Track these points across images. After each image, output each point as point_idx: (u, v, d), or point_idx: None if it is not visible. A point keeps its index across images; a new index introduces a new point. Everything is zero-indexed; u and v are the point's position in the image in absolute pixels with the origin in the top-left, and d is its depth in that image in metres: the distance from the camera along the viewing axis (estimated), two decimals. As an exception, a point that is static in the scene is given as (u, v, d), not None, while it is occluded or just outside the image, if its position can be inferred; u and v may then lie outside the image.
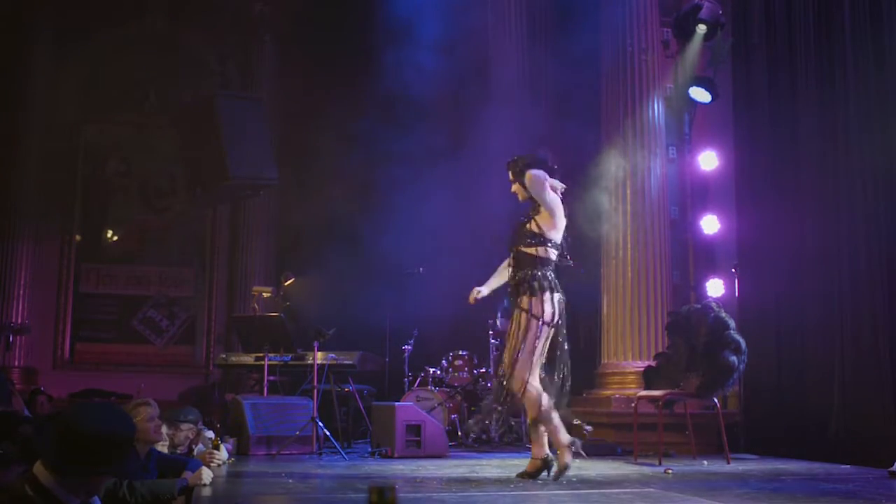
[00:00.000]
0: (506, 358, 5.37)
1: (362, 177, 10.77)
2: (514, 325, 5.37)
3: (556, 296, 5.36)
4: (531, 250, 5.41)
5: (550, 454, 5.34)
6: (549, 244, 5.42)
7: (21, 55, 12.22)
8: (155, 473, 4.50)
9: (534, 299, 5.30)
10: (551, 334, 5.33)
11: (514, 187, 5.64)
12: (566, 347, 5.39)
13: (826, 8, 7.29)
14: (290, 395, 8.50)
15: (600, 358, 8.53)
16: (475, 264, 9.22)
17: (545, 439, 5.35)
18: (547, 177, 5.45)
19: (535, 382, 5.27)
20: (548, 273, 5.39)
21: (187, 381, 12.28)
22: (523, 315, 5.30)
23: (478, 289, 5.72)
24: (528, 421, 5.46)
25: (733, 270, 8.17)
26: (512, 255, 5.52)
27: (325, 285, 10.42)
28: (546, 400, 5.26)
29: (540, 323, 5.27)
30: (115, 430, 2.55)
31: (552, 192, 5.44)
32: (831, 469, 6.15)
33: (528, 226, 5.46)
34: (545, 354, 5.34)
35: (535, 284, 5.31)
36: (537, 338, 5.26)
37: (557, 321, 5.34)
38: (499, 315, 9.31)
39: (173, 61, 12.38)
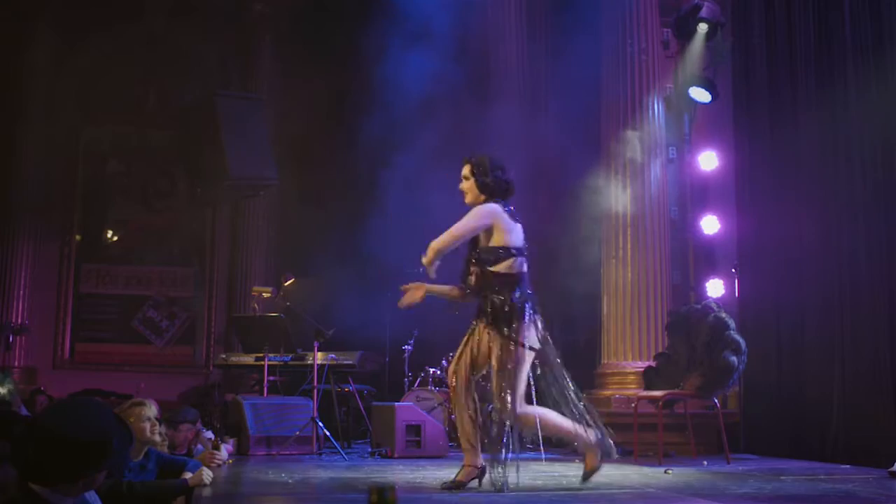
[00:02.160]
0: (495, 390, 4.76)
1: (362, 177, 10.77)
2: (500, 354, 4.77)
3: (538, 318, 4.87)
4: (499, 268, 4.85)
5: (485, 463, 4.84)
6: (515, 252, 4.87)
7: (21, 55, 12.22)
8: (154, 474, 4.50)
9: (520, 326, 4.78)
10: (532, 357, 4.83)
11: (466, 185, 5.04)
12: (560, 368, 4.89)
13: (826, 8, 7.29)
14: (290, 395, 8.50)
15: (600, 358, 8.53)
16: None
17: (479, 447, 4.86)
18: (495, 212, 4.91)
19: (525, 407, 4.78)
20: (526, 292, 4.86)
21: (187, 381, 12.28)
22: (510, 344, 4.75)
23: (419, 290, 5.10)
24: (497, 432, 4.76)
25: (733, 270, 8.17)
26: (473, 272, 4.96)
27: (325, 285, 10.42)
28: (543, 413, 4.84)
29: (527, 350, 4.78)
30: (87, 433, 2.44)
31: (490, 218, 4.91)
32: (831, 469, 6.15)
33: (484, 241, 4.92)
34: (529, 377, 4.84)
35: (519, 312, 4.77)
36: (524, 364, 4.76)
37: (542, 347, 4.85)
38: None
39: (173, 61, 12.37)
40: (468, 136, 9.58)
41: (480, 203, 5.00)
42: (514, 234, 4.91)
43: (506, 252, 4.86)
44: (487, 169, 4.98)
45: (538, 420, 4.81)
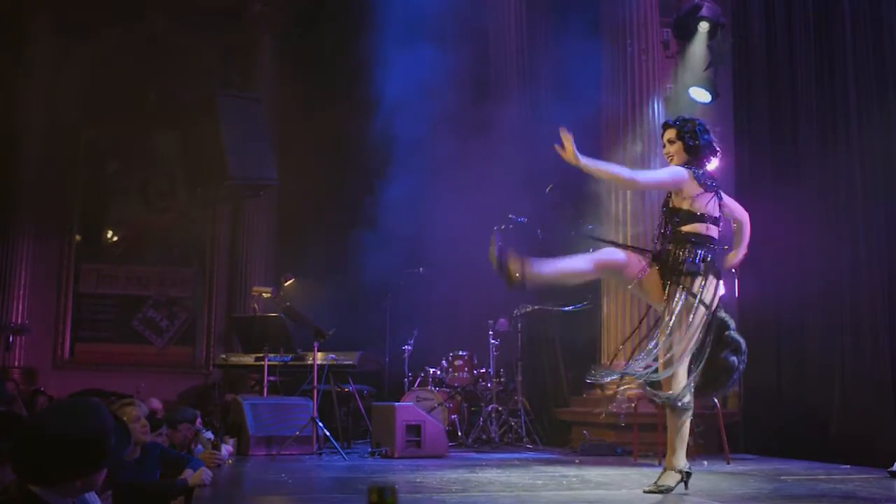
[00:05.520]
0: (662, 345, 4.74)
1: (363, 176, 10.77)
2: (678, 311, 4.71)
3: (719, 282, 4.85)
4: (688, 228, 4.83)
5: (688, 465, 4.86)
6: (704, 218, 4.84)
7: (21, 55, 12.23)
8: (157, 469, 4.51)
9: (702, 283, 4.73)
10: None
11: (673, 148, 4.96)
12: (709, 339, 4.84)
13: (826, 8, 7.29)
14: (290, 395, 8.50)
15: (600, 358, 8.53)
16: (474, 264, 9.24)
17: (684, 449, 4.84)
18: (683, 176, 4.85)
19: (684, 377, 4.77)
20: (709, 255, 4.82)
21: (187, 381, 12.28)
22: (693, 301, 4.70)
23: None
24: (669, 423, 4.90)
25: (733, 271, 8.16)
26: (668, 232, 4.91)
27: (325, 285, 10.42)
28: (689, 400, 4.77)
29: (706, 312, 4.73)
30: (84, 433, 2.42)
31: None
32: (831, 469, 6.15)
33: (673, 203, 4.90)
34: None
35: (703, 266, 4.74)
36: (700, 328, 4.73)
37: (714, 309, 4.81)
38: (499, 318, 9.32)
39: (173, 61, 12.37)
40: (467, 134, 9.60)
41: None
42: (701, 199, 4.84)
43: (694, 216, 4.83)
44: (696, 133, 4.93)
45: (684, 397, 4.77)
